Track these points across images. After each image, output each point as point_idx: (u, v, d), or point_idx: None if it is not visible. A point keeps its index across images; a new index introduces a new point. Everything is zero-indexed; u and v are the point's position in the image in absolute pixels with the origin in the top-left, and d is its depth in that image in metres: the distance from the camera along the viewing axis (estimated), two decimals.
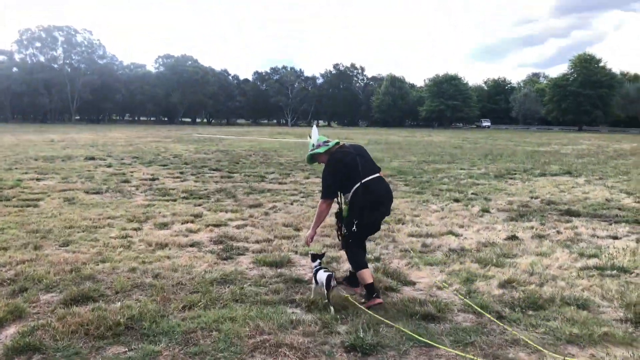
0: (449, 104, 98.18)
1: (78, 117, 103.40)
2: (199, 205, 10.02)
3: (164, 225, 8.00)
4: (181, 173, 15.65)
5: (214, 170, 16.72)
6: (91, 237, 7.08)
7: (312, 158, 5.02)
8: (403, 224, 8.28)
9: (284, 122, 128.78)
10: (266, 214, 9.18)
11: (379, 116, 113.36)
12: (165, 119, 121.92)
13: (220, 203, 10.21)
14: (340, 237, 5.03)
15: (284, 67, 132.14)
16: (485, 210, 9.53)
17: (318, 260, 4.82)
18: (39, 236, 7.07)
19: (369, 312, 4.41)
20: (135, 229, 7.68)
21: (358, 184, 4.66)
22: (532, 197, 11.24)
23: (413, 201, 10.62)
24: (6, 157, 20.11)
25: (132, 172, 15.78)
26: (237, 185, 13.07)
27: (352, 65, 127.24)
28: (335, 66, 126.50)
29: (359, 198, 4.67)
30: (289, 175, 15.42)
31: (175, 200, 10.55)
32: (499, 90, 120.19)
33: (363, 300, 4.70)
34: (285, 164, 19.40)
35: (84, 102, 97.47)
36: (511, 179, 14.95)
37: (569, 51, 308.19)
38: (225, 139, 38.59)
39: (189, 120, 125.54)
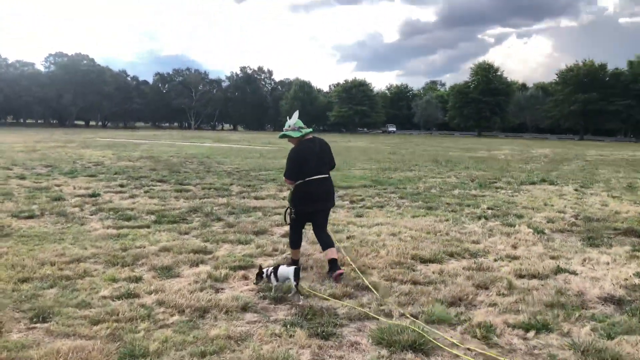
0: (357, 109, 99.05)
1: None
2: (186, 233, 7.64)
3: (168, 271, 5.62)
4: (121, 186, 12.85)
5: (158, 182, 14.03)
6: (75, 302, 4.58)
7: (284, 136, 5.72)
8: (496, 260, 6.43)
9: (186, 125, 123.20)
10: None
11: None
12: (55, 121, 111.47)
13: (211, 230, 7.87)
14: (285, 216, 5.88)
15: (188, 69, 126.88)
16: (539, 231, 8.08)
17: (265, 269, 5.00)
18: None
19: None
20: (132, 280, 5.25)
21: (301, 181, 5.48)
22: (559, 212, 10.04)
23: (446, 221, 8.95)
24: None
25: (57, 185, 12.70)
26: (205, 202, 10.67)
27: (260, 69, 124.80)
28: (243, 69, 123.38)
29: (299, 191, 5.54)
30: (255, 187, 13.19)
31: (148, 226, 8.04)
32: (401, 96, 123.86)
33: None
34: (234, 172, 17.06)
35: None
36: (500, 188, 13.86)
37: (456, 62, 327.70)
38: (140, 144, 34.86)
39: (82, 123, 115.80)
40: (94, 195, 11.11)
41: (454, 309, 4.50)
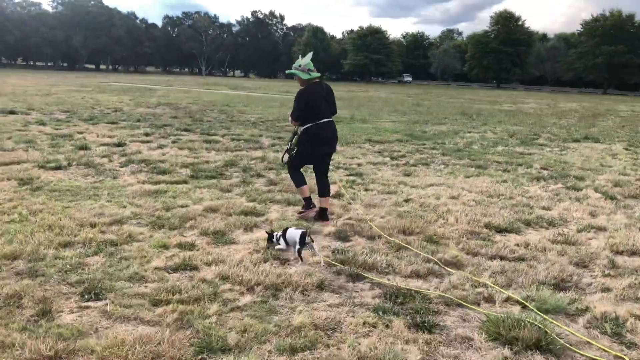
0: (373, 57, 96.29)
1: None
2: (228, 190, 7.04)
3: (221, 236, 5.05)
4: (146, 135, 12.23)
5: (184, 131, 13.39)
6: (127, 274, 4.02)
7: (293, 75, 5.54)
8: (580, 231, 5.78)
9: (197, 71, 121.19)
10: (363, 203, 6.40)
11: None
12: (65, 64, 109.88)
13: (255, 187, 7.26)
14: (284, 156, 5.87)
15: (197, 12, 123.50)
16: (610, 197, 7.39)
17: (275, 233, 4.74)
18: (23, 287, 3.91)
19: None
20: (185, 247, 4.68)
21: (312, 123, 5.48)
22: (621, 174, 9.31)
23: (503, 182, 8.28)
24: None
25: (79, 132, 12.10)
26: (239, 155, 10.05)
27: (271, 13, 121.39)
28: (253, 13, 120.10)
29: (308, 133, 5.53)
30: (285, 140, 12.49)
31: (185, 181, 7.44)
32: (417, 45, 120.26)
33: (301, 211, 5.79)
34: (259, 122, 16.35)
35: None
36: (544, 145, 13.08)
37: (472, 10, 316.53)
38: (155, 89, 33.98)
39: (92, 66, 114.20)
40: (120, 144, 10.50)
41: (563, 294, 3.90)
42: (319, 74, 5.57)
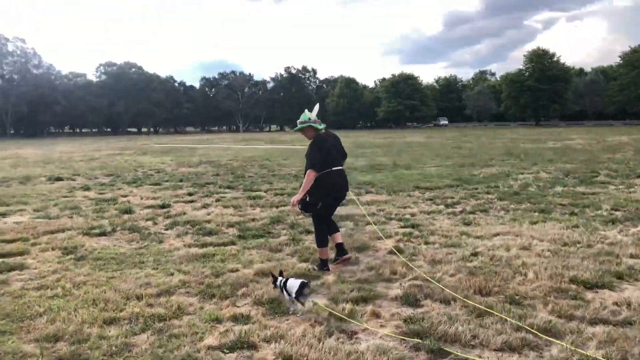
0: (407, 103, 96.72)
1: (13, 132, 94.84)
2: (278, 250, 6.60)
3: (278, 305, 4.56)
4: (190, 194, 12.04)
5: (227, 188, 13.18)
6: (179, 357, 3.57)
7: (304, 128, 5.75)
8: None
9: (234, 128, 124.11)
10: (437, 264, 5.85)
11: (335, 119, 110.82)
12: (109, 129, 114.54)
13: (305, 246, 6.80)
14: (298, 207, 5.71)
15: (233, 72, 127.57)
16: None
17: (280, 278, 4.62)
18: None
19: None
20: (239, 320, 4.22)
21: (327, 170, 5.58)
22: None
23: (574, 227, 7.57)
24: None
25: (123, 196, 12.02)
26: (284, 210, 9.66)
27: (304, 68, 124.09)
28: (287, 69, 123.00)
29: (325, 182, 5.57)
30: None
31: (233, 242, 7.06)
32: (451, 88, 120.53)
33: (315, 268, 5.69)
34: (300, 175, 16.00)
35: (19, 115, 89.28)
36: (606, 183, 12.24)
37: (502, 50, 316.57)
38: (196, 149, 34.55)
39: (134, 130, 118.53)
40: (164, 206, 10.30)
41: None
42: (324, 125, 5.89)
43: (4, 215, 9.60)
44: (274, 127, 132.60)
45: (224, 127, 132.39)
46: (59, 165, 21.71)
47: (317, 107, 5.91)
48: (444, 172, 15.81)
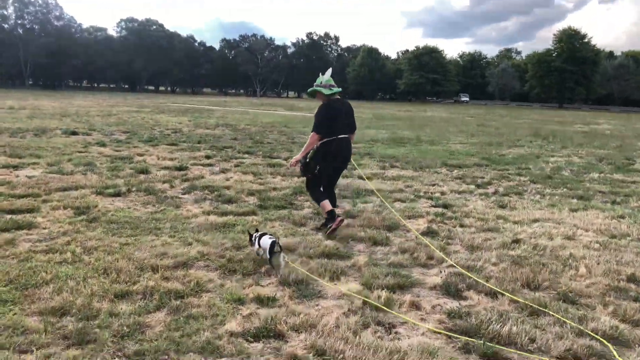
0: (429, 77, 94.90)
1: (31, 82, 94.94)
2: (301, 224, 6.16)
3: (305, 286, 4.15)
4: (207, 157, 11.63)
5: (245, 153, 12.73)
6: (198, 344, 3.18)
7: (314, 93, 5.80)
8: None
9: (252, 92, 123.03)
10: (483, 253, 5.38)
11: (355, 88, 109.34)
12: (126, 86, 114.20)
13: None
14: (300, 168, 5.88)
15: (254, 35, 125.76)
16: None
17: (255, 234, 4.68)
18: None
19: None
20: (264, 302, 3.81)
21: (331, 137, 5.62)
22: None
23: (620, 218, 7.03)
24: None
25: (139, 155, 11.64)
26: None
27: (326, 35, 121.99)
28: (308, 35, 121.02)
29: (325, 148, 5.67)
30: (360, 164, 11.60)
31: (254, 212, 6.64)
32: (474, 65, 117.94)
33: (329, 225, 5.54)
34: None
35: (38, 66, 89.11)
36: None
37: (530, 29, 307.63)
38: (213, 110, 34.05)
39: (152, 88, 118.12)
40: (181, 168, 9.89)
41: None
42: (339, 89, 5.76)
43: (16, 167, 9.26)
44: (291, 93, 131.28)
45: (241, 91, 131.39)
46: (76, 119, 21.38)
47: (329, 71, 5.84)
48: (471, 149, 15.20)
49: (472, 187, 9.14)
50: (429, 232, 5.92)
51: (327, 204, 5.68)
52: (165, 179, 8.72)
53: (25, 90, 69.29)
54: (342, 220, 5.59)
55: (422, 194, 8.31)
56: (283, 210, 6.88)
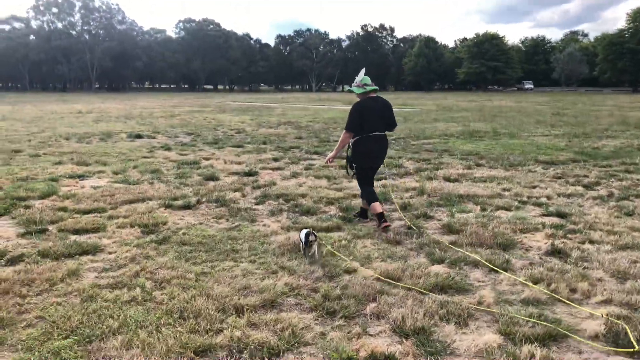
0: (490, 65, 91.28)
1: (97, 86, 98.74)
2: (397, 242, 5.26)
3: (427, 338, 3.27)
4: (275, 160, 10.94)
5: (313, 154, 11.97)
6: None
7: (350, 92, 5.89)
8: None
9: (307, 87, 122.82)
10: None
11: (412, 79, 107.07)
12: (186, 86, 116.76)
13: (433, 239, 5.42)
14: (347, 170, 6.11)
15: (308, 30, 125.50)
16: None
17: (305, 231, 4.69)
18: None
19: None
20: (389, 359, 2.95)
21: (363, 135, 5.65)
22: None
23: None
24: (30, 135, 15.53)
25: (206, 159, 11.10)
26: (388, 185, 8.28)
27: (381, 26, 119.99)
28: (363, 27, 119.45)
29: (358, 146, 5.74)
30: (433, 163, 10.60)
31: (339, 227, 5.81)
32: (537, 50, 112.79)
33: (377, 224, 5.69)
34: (390, 141, 14.53)
35: (103, 69, 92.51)
36: None
37: (594, 10, 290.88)
38: (272, 108, 33.64)
39: (210, 87, 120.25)
40: (251, 173, 9.23)
41: None
42: (375, 87, 5.74)
43: (82, 177, 8.87)
44: (347, 87, 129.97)
45: (297, 86, 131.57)
46: (140, 121, 21.37)
47: (362, 71, 5.89)
48: (558, 143, 13.79)
49: (580, 188, 7.94)
50: (555, 253, 4.89)
51: (377, 206, 5.67)
52: (235, 186, 8.05)
53: (92, 94, 71.90)
54: (387, 226, 5.58)
55: (525, 199, 7.23)
56: (370, 222, 6.01)
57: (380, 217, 5.60)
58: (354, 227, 5.83)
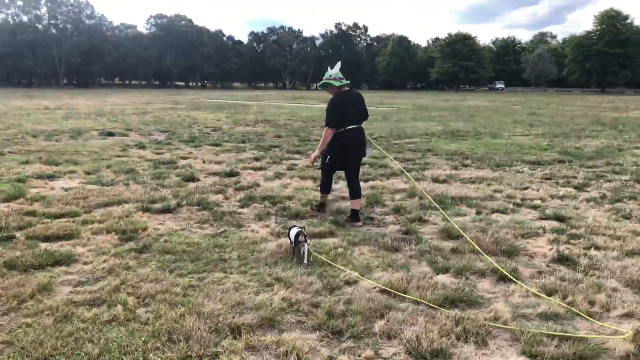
0: (463, 65, 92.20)
1: (65, 81, 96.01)
2: (395, 249, 4.97)
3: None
4: (256, 160, 10.55)
5: (294, 153, 11.64)
6: None
7: (326, 86, 5.87)
8: None
9: (281, 85, 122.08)
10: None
11: (385, 78, 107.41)
12: (157, 82, 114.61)
13: (434, 245, 5.15)
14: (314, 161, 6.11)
15: (282, 28, 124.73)
16: None
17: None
18: None
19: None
20: None
21: (341, 129, 5.69)
22: None
23: None
24: None
25: (183, 158, 10.64)
26: (375, 186, 8.02)
27: (355, 25, 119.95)
28: (337, 26, 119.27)
29: (336, 140, 5.73)
30: (419, 163, 10.38)
31: (331, 232, 5.48)
32: (507, 50, 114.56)
33: (314, 208, 6.35)
34: (370, 140, 14.28)
35: (71, 65, 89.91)
36: None
37: (561, 12, 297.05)
38: (248, 106, 33.09)
39: (182, 84, 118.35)
40: (232, 174, 8.82)
41: None
42: (347, 81, 5.81)
43: (51, 178, 8.32)
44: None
45: (270, 84, 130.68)
46: (111, 118, 20.62)
47: (338, 64, 5.93)
48: (540, 142, 13.75)
49: (571, 190, 7.80)
50: (562, 260, 4.65)
51: (324, 198, 6.30)
52: (216, 188, 7.64)
53: (59, 90, 69.82)
54: (323, 212, 6.17)
55: (519, 201, 7.03)
56: (363, 227, 5.71)
57: (321, 206, 6.24)
58: (348, 232, 5.51)
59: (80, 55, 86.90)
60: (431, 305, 3.65)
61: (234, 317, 3.38)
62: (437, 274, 4.33)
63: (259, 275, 4.19)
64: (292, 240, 4.51)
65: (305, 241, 4.48)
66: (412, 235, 5.36)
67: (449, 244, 5.11)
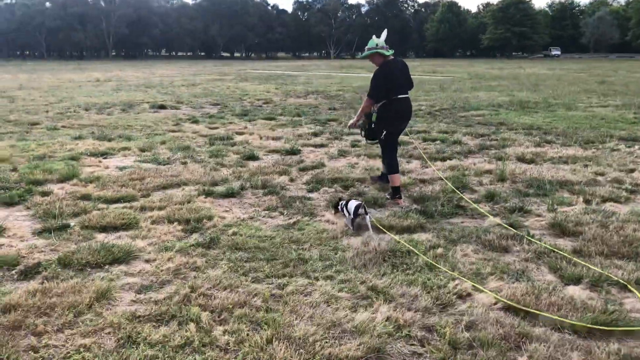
0: (516, 30, 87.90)
1: (114, 53, 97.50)
2: (505, 249, 4.17)
3: None
4: (315, 135, 9.84)
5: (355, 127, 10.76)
6: None
7: (372, 55, 5.47)
8: None
9: (325, 54, 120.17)
10: None
11: (434, 46, 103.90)
12: (203, 53, 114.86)
13: (541, 237, 4.33)
14: (362, 134, 5.99)
15: None
16: None
17: (341, 202, 4.77)
18: None
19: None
20: None
21: (393, 97, 5.42)
22: None
23: None
24: (48, 105, 14.58)
25: (239, 133, 10.05)
26: (455, 167, 7.18)
27: None
28: None
29: (388, 110, 5.49)
30: (490, 137, 9.43)
31: (421, 226, 4.72)
32: (565, 14, 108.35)
33: (388, 197, 5.51)
34: (434, 112, 13.37)
35: (119, 37, 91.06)
36: None
37: None
38: (295, 76, 32.28)
39: (227, 54, 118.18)
40: (293, 152, 8.15)
41: None
42: (392, 51, 5.58)
43: (105, 155, 7.87)
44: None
45: (315, 53, 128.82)
46: (161, 90, 20.29)
47: (385, 33, 5.69)
48: (625, 115, 12.43)
49: None
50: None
51: (397, 179, 5.51)
52: (280, 168, 6.98)
53: (109, 61, 70.78)
54: (399, 202, 5.43)
55: (629, 186, 6.05)
56: (454, 218, 4.94)
57: (397, 191, 5.47)
58: (441, 225, 4.74)
59: (127, 26, 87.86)
60: (579, 332, 2.86)
61: (331, 345, 2.71)
62: (566, 284, 3.53)
63: (350, 283, 3.50)
64: (352, 212, 4.47)
65: (366, 213, 4.50)
66: (520, 231, 4.54)
67: (566, 243, 4.28)
